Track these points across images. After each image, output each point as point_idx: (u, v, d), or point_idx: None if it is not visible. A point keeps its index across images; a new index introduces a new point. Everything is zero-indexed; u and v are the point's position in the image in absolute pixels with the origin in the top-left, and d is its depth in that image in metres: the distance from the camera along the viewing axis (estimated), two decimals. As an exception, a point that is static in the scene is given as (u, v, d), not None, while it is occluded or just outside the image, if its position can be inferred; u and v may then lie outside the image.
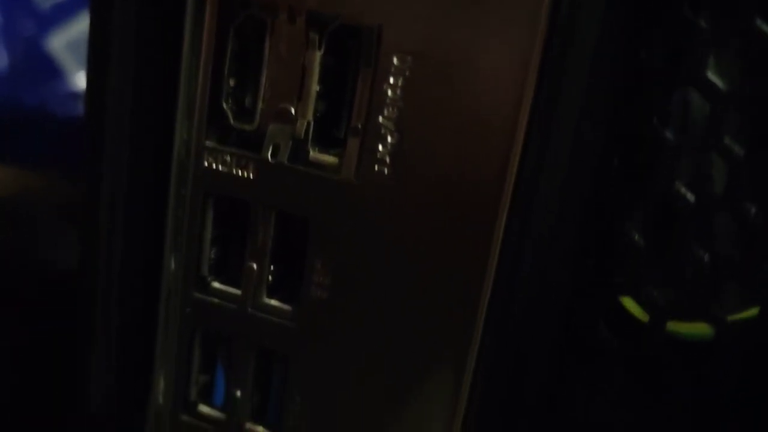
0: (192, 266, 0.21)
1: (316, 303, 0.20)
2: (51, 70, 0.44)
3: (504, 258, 0.18)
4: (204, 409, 0.22)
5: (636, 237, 0.19)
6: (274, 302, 0.21)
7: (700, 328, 0.19)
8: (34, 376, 0.29)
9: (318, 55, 0.18)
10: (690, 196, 0.18)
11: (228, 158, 0.19)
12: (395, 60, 0.18)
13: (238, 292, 0.21)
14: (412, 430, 0.20)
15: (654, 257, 0.19)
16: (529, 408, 0.20)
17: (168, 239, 0.21)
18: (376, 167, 0.18)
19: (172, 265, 0.21)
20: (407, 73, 0.18)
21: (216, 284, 0.21)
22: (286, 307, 0.20)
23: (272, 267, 0.20)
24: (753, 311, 0.18)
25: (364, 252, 0.19)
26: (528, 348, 0.19)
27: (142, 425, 0.22)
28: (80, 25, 0.43)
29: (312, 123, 0.19)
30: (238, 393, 0.21)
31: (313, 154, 0.19)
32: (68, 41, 0.44)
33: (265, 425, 0.21)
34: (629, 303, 0.19)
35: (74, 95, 0.44)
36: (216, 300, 0.21)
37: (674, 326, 0.19)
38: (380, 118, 0.18)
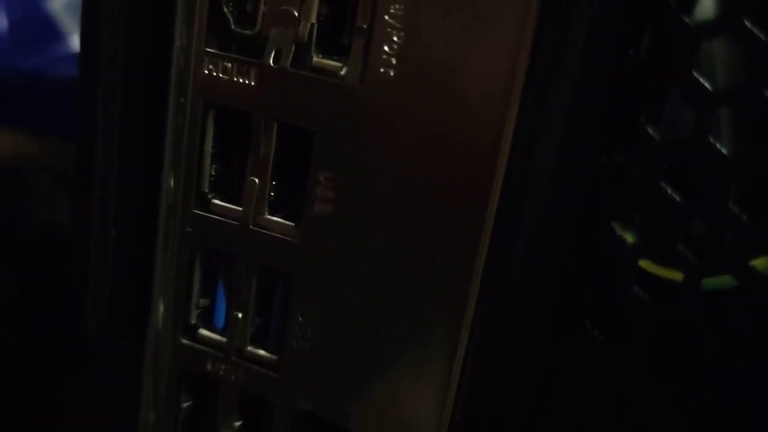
0: (192, 182, 0.20)
1: (320, 218, 0.19)
2: (51, 32, 0.43)
3: (512, 162, 0.18)
4: (204, 332, 0.21)
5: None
6: (276, 218, 0.20)
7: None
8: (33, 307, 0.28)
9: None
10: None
11: (229, 65, 0.19)
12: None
13: (239, 209, 0.20)
14: (413, 352, 0.20)
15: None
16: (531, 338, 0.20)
17: (167, 154, 0.20)
18: (382, 70, 0.18)
19: (171, 182, 0.20)
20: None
21: (217, 201, 0.20)
22: (288, 223, 0.20)
23: (274, 184, 0.20)
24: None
25: (368, 162, 0.19)
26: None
27: (142, 349, 0.21)
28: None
29: (315, 26, 0.18)
30: (239, 315, 0.21)
31: (317, 59, 0.18)
32: (68, 1, 0.44)
33: (266, 349, 0.21)
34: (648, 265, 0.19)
35: (74, 57, 0.43)
36: (217, 217, 0.20)
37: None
38: (386, 16, 0.18)
